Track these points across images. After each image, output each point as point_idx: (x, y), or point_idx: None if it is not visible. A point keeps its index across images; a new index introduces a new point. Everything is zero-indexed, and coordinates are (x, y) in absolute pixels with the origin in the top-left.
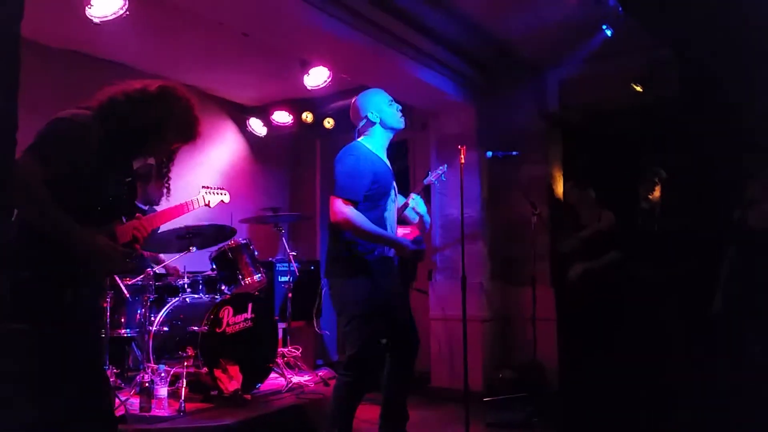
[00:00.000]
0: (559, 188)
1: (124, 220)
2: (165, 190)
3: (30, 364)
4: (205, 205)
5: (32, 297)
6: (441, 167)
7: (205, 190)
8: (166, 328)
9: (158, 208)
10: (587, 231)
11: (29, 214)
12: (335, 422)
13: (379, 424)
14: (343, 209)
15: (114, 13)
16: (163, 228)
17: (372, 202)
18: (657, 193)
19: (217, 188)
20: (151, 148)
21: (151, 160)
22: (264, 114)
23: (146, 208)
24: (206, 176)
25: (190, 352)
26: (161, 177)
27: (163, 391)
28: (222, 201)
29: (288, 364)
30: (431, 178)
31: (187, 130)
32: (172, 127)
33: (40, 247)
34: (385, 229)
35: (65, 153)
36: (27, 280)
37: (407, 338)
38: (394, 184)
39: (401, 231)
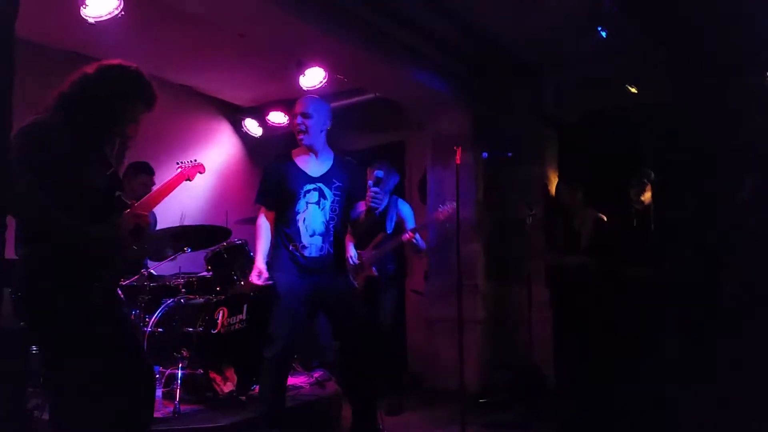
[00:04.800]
0: (554, 188)
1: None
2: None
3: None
4: (187, 179)
5: (59, 302)
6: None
7: (180, 165)
8: (160, 330)
9: None
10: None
11: (34, 224)
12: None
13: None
14: (258, 217)
15: (109, 14)
16: (158, 228)
17: (280, 212)
18: (648, 194)
19: (191, 161)
20: (119, 121)
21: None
22: (259, 114)
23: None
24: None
25: (185, 353)
26: (121, 155)
27: (157, 392)
28: (199, 172)
29: None
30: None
31: (145, 91)
32: (130, 92)
33: (54, 256)
34: (299, 238)
35: (40, 157)
36: (50, 288)
37: (348, 342)
38: (315, 186)
39: None
